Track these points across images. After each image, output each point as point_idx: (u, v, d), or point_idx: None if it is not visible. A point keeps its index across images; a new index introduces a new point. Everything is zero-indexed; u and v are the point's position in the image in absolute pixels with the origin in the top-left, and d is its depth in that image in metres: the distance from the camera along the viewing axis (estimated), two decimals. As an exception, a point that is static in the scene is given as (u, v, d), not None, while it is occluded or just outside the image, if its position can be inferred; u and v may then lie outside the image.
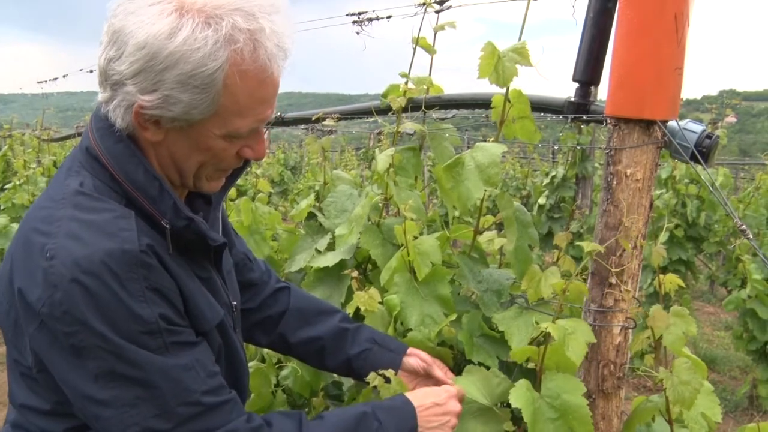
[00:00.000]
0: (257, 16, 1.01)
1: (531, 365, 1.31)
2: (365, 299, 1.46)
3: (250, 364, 2.01)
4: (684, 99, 1.32)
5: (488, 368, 1.39)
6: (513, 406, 1.20)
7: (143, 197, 1.06)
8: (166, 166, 1.12)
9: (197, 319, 1.11)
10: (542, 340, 1.28)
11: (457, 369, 1.45)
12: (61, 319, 0.97)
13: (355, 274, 1.59)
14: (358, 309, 1.50)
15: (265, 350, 2.00)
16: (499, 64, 1.39)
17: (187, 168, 1.12)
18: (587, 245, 1.24)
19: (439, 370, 1.42)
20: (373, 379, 1.32)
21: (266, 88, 1.06)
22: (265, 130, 1.19)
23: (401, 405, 1.24)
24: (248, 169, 1.36)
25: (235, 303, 1.30)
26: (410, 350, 1.44)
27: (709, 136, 1.28)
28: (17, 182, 6.03)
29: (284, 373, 1.92)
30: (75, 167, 1.11)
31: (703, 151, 1.27)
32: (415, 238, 1.50)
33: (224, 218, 1.41)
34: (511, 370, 1.45)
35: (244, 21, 1.00)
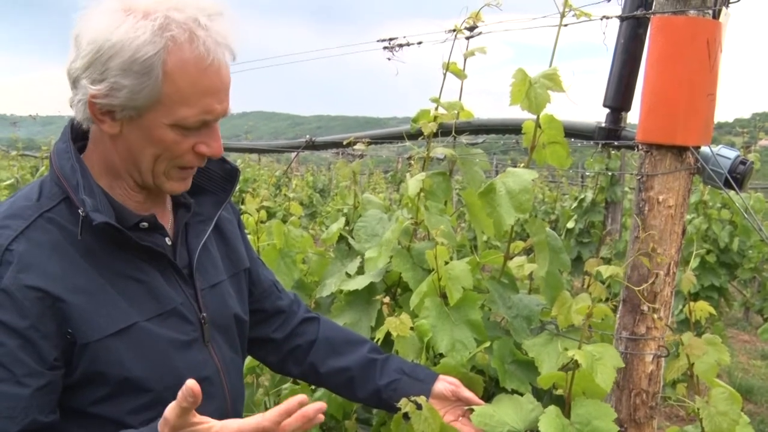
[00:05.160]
0: (196, 15, 1.10)
1: (559, 392, 1.30)
2: (397, 324, 1.46)
3: (284, 386, 2.02)
4: (716, 122, 1.32)
5: (521, 395, 1.37)
6: None
7: (69, 187, 1.13)
8: (126, 162, 1.17)
9: (82, 325, 1.09)
10: (570, 366, 1.26)
11: (486, 396, 1.44)
12: None
13: (386, 300, 1.59)
14: (388, 334, 1.50)
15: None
16: (530, 91, 1.40)
17: (143, 162, 1.16)
18: (606, 270, 1.22)
19: (468, 391, 1.41)
20: (404, 405, 1.31)
21: (209, 79, 1.11)
22: (294, 152, 1.23)
23: None
24: (238, 184, 1.38)
25: (205, 315, 1.27)
26: (440, 377, 1.43)
27: (743, 162, 1.27)
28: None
29: (318, 394, 1.91)
30: None
31: (737, 178, 1.26)
32: (446, 263, 1.50)
33: (227, 235, 1.42)
34: (542, 397, 1.44)
35: (179, 14, 1.08)
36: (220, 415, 1.29)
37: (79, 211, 1.10)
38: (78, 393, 1.13)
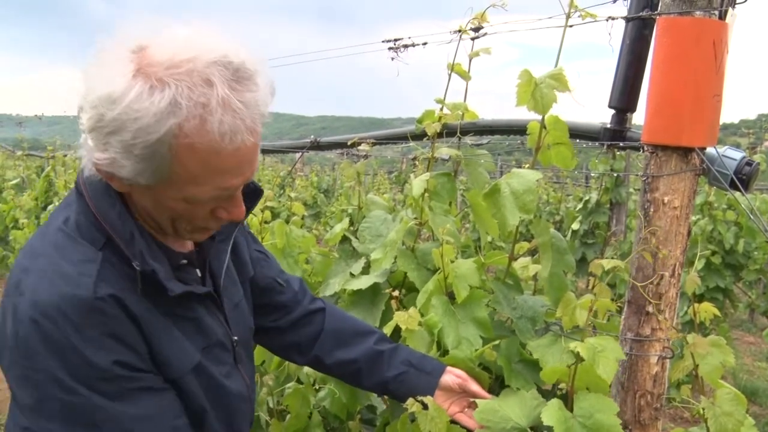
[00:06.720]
0: (214, 82, 0.95)
1: (562, 386, 1.30)
2: (405, 318, 1.46)
3: (288, 385, 2.02)
4: (721, 123, 1.31)
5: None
6: (545, 423, 1.18)
7: (118, 238, 1.06)
8: (143, 215, 1.12)
9: (163, 366, 1.10)
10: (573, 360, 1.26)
11: (491, 393, 1.44)
12: (24, 355, 0.99)
13: (396, 293, 1.59)
14: (395, 330, 1.50)
15: (303, 372, 2.01)
16: (536, 91, 1.39)
17: (160, 221, 1.11)
18: (608, 263, 1.21)
19: (475, 385, 1.41)
20: (410, 405, 1.32)
21: (223, 160, 0.99)
22: (298, 153, 1.19)
23: None
24: (260, 199, 1.33)
25: (236, 338, 1.27)
26: (447, 369, 1.43)
27: (749, 164, 1.26)
28: (58, 202, 6.18)
29: (321, 394, 1.92)
30: (68, 200, 1.13)
31: (742, 179, 1.26)
32: (452, 261, 1.51)
33: (238, 247, 1.40)
34: (546, 398, 1.44)
35: (191, 90, 0.94)
36: (250, 427, 1.32)
37: (134, 264, 1.04)
38: None
